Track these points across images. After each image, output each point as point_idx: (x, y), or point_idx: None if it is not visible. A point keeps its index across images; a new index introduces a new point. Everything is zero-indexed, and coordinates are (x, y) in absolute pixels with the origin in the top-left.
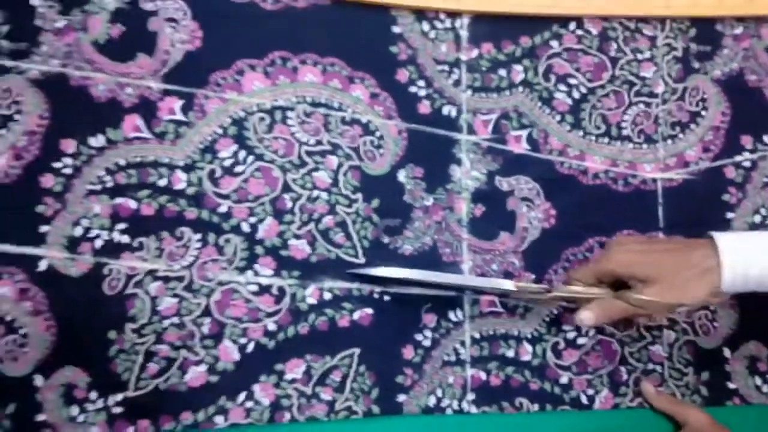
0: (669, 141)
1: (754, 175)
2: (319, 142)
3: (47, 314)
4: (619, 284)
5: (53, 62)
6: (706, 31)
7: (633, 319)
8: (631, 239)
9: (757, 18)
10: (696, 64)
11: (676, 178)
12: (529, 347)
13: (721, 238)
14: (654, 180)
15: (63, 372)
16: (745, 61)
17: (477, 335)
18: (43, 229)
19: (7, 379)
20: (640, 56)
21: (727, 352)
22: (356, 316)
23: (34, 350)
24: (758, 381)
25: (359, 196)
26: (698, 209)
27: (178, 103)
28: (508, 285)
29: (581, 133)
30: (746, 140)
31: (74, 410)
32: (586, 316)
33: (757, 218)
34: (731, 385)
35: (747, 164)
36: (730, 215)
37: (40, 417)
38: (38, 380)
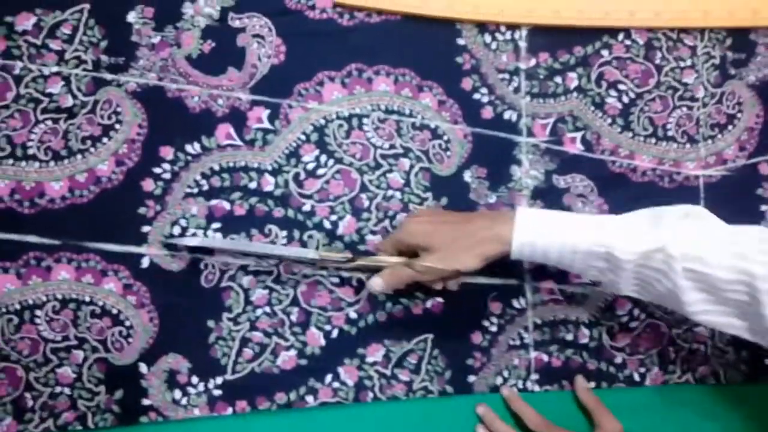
0: (709, 141)
1: None
2: (392, 146)
3: (150, 307)
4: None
5: (150, 75)
6: (741, 40)
7: (425, 284)
8: (426, 212)
9: None
10: (732, 71)
11: (715, 175)
12: (586, 331)
13: (520, 210)
14: (696, 177)
15: (166, 359)
16: None
17: (539, 321)
18: (145, 229)
19: (115, 367)
20: (682, 64)
21: None
22: (429, 304)
23: (138, 340)
24: None
25: (429, 194)
26: (736, 202)
27: (265, 113)
28: (312, 254)
29: (630, 134)
30: None
31: (177, 394)
32: (375, 282)
33: None
34: None
35: None
36: (763, 207)
37: (146, 401)
38: (143, 367)
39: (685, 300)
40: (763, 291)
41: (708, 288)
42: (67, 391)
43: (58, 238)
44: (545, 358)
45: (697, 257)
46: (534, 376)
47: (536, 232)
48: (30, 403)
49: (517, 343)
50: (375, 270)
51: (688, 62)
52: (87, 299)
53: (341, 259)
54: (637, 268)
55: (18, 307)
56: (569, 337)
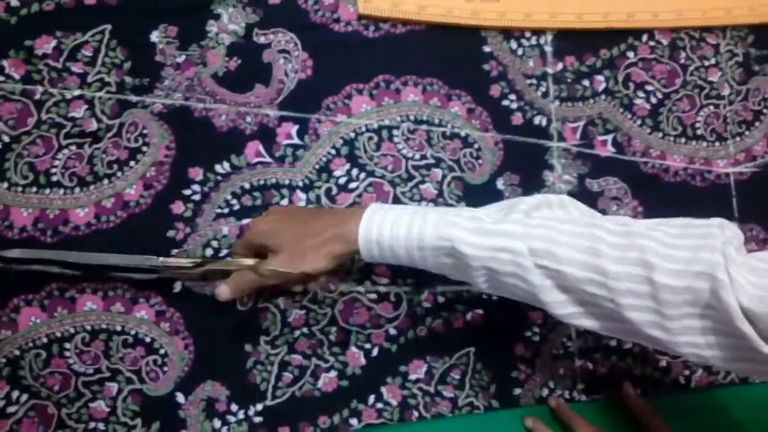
0: (737, 138)
1: None
2: (423, 157)
3: (184, 333)
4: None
5: (176, 96)
6: (764, 37)
7: (283, 286)
8: (276, 210)
9: None
10: (756, 67)
11: (745, 172)
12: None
13: (371, 207)
14: (727, 174)
15: (203, 387)
16: None
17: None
18: (175, 252)
19: (151, 398)
20: (706, 62)
21: None
22: (469, 316)
23: (174, 369)
24: None
25: (463, 204)
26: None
27: (294, 128)
28: (154, 261)
29: (660, 134)
30: None
31: (217, 423)
32: (221, 290)
33: None
34: None
35: None
36: None
37: None
38: (180, 397)
39: (547, 301)
40: (618, 291)
41: (567, 287)
42: (101, 426)
43: (80, 268)
44: (590, 366)
45: (546, 252)
46: (580, 386)
47: (381, 228)
48: None
49: (561, 352)
50: (224, 274)
51: (712, 61)
52: (118, 328)
53: (187, 264)
54: (486, 265)
55: (45, 340)
56: (613, 343)
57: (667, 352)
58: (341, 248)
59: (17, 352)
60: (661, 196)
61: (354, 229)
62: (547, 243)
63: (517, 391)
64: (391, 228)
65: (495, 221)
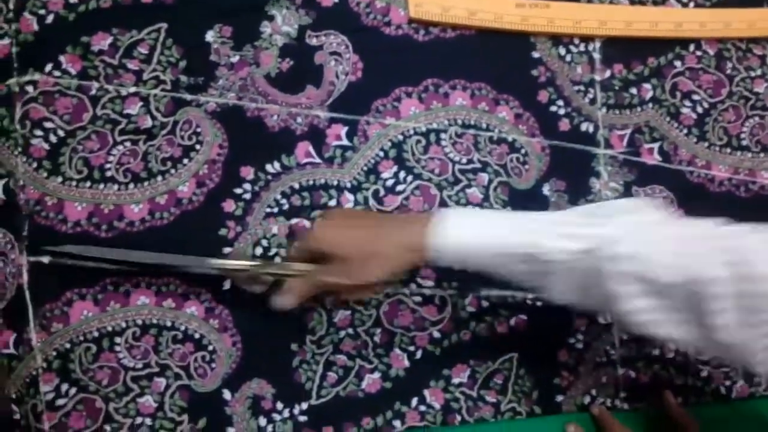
0: None
1: None
2: (470, 161)
3: (233, 330)
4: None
5: (229, 95)
6: None
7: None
8: (337, 214)
9: None
10: None
11: None
12: (672, 345)
13: (438, 213)
14: None
15: (250, 385)
16: None
17: (625, 336)
18: (226, 250)
19: (198, 394)
20: (752, 74)
21: None
22: (513, 321)
23: (221, 365)
24: None
25: (509, 209)
26: None
27: (343, 130)
28: (214, 262)
29: (706, 144)
30: None
31: (262, 421)
32: (282, 301)
33: None
34: None
35: None
36: None
37: (231, 430)
38: (227, 394)
39: (628, 309)
40: (711, 296)
41: (652, 292)
42: (148, 421)
43: (135, 265)
44: (632, 374)
45: (633, 257)
46: (622, 394)
47: (452, 235)
48: None
49: (604, 359)
50: (283, 277)
51: (758, 72)
52: (168, 324)
53: (247, 267)
54: (566, 272)
55: (96, 334)
56: (655, 352)
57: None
58: (407, 258)
59: (68, 345)
60: (707, 205)
61: (421, 238)
62: (634, 246)
63: (560, 398)
64: (465, 236)
65: (579, 225)
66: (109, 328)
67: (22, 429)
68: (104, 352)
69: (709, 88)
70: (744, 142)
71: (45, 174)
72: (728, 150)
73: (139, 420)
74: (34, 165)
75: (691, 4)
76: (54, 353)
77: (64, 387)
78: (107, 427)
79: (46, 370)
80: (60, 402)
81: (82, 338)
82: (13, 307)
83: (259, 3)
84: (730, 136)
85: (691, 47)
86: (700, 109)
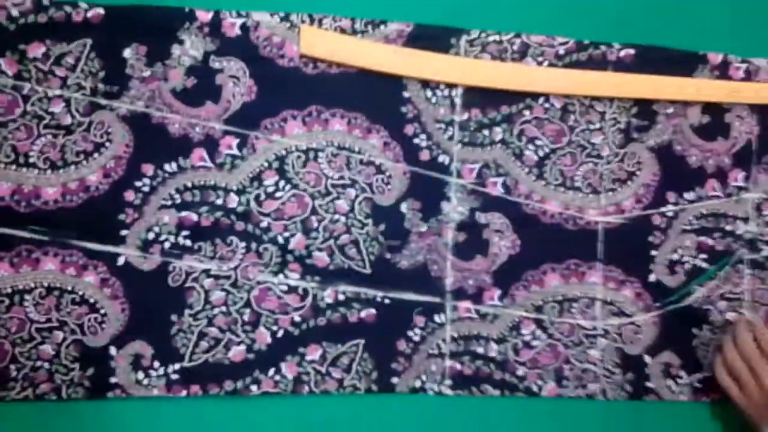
0: (609, 192)
1: None
2: (341, 177)
3: (123, 299)
4: None
5: (139, 103)
6: (645, 110)
7: None
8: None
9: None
10: (635, 135)
11: (613, 222)
12: (495, 346)
13: None
14: (596, 222)
15: (133, 345)
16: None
17: (455, 334)
18: (123, 232)
19: (89, 348)
20: (591, 126)
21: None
22: (363, 314)
23: (110, 326)
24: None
25: (370, 221)
26: (628, 247)
27: (234, 141)
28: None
29: (543, 182)
30: None
31: (140, 375)
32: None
33: None
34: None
35: None
36: (654, 252)
37: (113, 379)
38: (113, 350)
39: None
40: None
41: None
42: (46, 365)
43: (47, 234)
44: (458, 366)
45: None
46: (448, 382)
47: None
48: (14, 373)
49: (436, 352)
50: None
51: (597, 125)
52: (69, 288)
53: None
54: None
55: (10, 291)
56: (480, 350)
57: None
58: None
59: None
60: (537, 233)
61: None
62: None
63: (395, 380)
64: None
65: None
66: (21, 287)
67: None
68: (15, 306)
69: (552, 136)
70: (577, 184)
71: None
72: (562, 189)
73: (38, 363)
74: None
75: (545, 63)
76: None
77: None
78: (12, 366)
79: None
80: None
81: None
82: None
83: (172, 28)
84: (565, 178)
85: (540, 100)
86: (541, 153)
